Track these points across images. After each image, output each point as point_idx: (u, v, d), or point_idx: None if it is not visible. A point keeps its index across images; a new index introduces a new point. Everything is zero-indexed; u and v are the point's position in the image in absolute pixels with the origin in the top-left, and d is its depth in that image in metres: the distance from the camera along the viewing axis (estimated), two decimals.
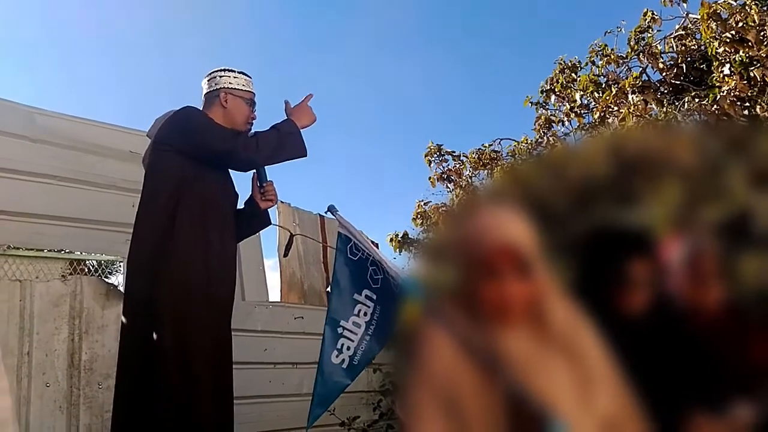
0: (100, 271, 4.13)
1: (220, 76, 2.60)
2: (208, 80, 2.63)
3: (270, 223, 2.67)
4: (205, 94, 2.62)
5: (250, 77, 2.65)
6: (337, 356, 2.70)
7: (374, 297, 2.74)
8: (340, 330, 2.72)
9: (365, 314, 2.74)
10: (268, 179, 2.64)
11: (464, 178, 7.15)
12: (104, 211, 3.36)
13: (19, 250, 3.44)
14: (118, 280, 3.92)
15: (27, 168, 3.26)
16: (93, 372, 3.14)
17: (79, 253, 3.85)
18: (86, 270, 3.98)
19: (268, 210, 2.68)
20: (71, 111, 3.65)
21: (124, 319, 2.38)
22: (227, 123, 2.54)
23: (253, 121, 2.63)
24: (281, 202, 4.59)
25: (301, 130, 2.51)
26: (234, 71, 2.62)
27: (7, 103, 3.38)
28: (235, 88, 2.58)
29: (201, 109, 2.57)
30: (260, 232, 4.28)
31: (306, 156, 2.53)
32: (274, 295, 4.43)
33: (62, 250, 3.86)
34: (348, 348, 2.72)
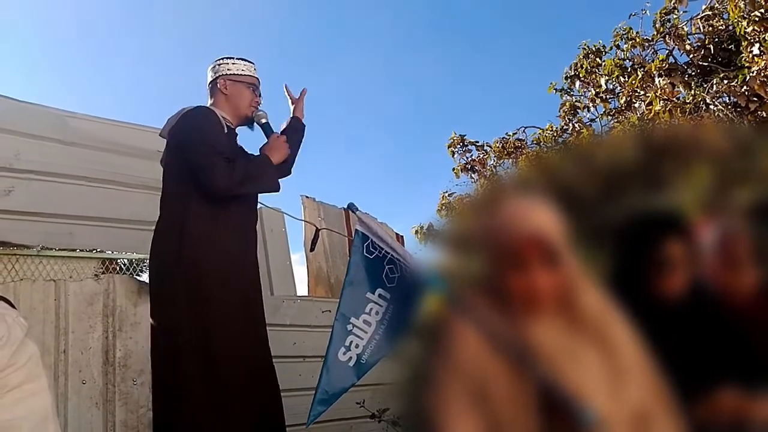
0: (131, 270, 4.21)
1: (219, 65, 2.64)
2: (210, 70, 2.67)
3: (290, 173, 2.73)
4: (209, 84, 2.65)
5: (251, 62, 2.67)
6: (344, 354, 2.65)
7: (388, 296, 2.69)
8: (349, 327, 2.67)
9: (377, 313, 2.68)
10: (275, 131, 2.64)
11: (488, 168, 7.11)
12: (134, 211, 3.41)
13: (53, 250, 3.51)
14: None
15: (59, 170, 3.34)
16: (127, 368, 3.20)
17: (110, 252, 3.92)
18: (118, 268, 4.05)
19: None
20: (104, 113, 3.74)
21: (151, 318, 2.42)
22: (231, 109, 2.58)
23: (257, 105, 2.64)
24: (306, 197, 4.62)
25: (275, 166, 2.50)
26: (233, 58, 2.65)
27: (39, 107, 3.46)
28: (234, 74, 2.60)
29: (205, 108, 2.54)
30: (286, 228, 4.37)
31: (278, 191, 2.55)
32: (302, 289, 4.47)
33: (94, 249, 3.94)
34: (356, 346, 2.66)
